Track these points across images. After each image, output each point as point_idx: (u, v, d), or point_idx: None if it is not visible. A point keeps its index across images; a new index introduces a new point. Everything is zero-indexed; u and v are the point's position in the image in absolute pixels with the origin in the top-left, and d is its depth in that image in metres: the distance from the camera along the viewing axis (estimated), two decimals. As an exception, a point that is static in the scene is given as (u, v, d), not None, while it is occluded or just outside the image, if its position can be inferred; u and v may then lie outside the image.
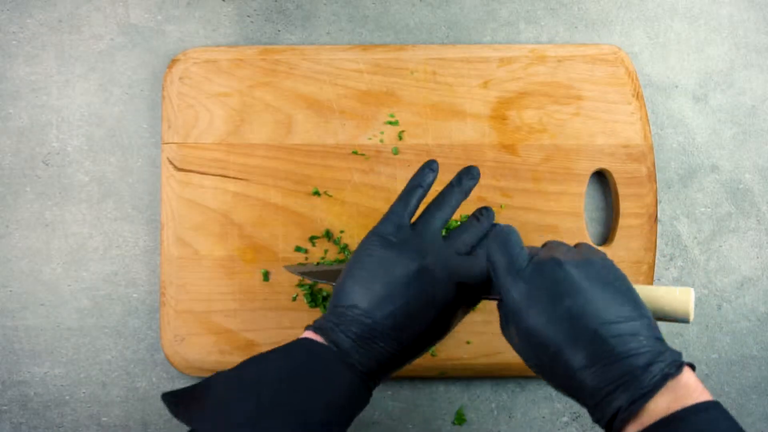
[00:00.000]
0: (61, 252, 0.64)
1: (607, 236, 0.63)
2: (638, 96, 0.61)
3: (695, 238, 0.65)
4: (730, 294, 0.64)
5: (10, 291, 0.64)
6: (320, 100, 0.62)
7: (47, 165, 0.64)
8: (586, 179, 0.61)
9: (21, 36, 0.65)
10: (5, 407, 0.63)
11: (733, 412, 0.66)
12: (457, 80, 0.62)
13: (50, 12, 0.65)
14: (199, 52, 0.62)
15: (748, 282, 0.64)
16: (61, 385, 0.63)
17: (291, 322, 0.60)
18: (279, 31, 0.65)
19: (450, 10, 0.66)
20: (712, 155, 0.65)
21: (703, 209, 0.65)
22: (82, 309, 0.63)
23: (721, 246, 0.65)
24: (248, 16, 0.66)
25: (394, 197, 0.61)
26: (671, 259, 0.64)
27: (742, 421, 0.64)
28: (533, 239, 0.61)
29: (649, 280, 0.60)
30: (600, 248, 0.61)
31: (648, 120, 0.61)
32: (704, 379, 0.64)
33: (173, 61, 0.62)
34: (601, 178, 0.64)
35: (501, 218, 0.61)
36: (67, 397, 0.63)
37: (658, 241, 0.64)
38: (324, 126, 0.61)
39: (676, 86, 0.66)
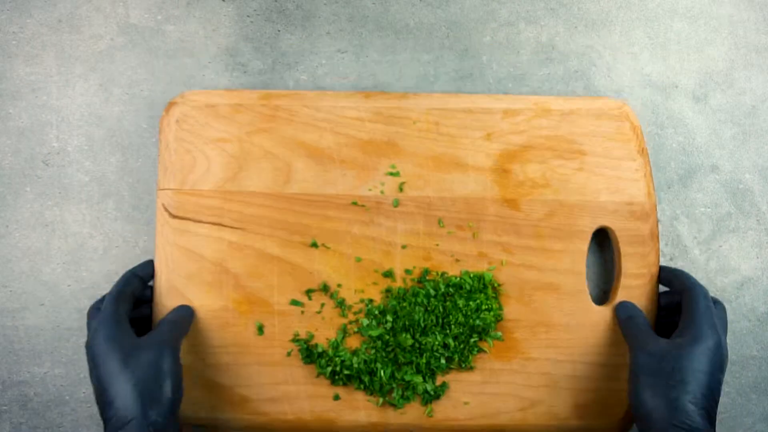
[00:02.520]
0: (61, 252, 0.64)
1: (607, 296, 0.62)
2: (643, 152, 0.60)
3: (695, 238, 0.65)
4: (730, 294, 0.64)
5: (10, 291, 0.64)
6: (321, 148, 0.60)
7: (47, 165, 0.64)
8: (589, 236, 0.59)
9: (21, 36, 0.65)
10: (5, 407, 0.63)
11: (733, 412, 0.66)
12: (460, 131, 0.60)
13: (50, 12, 0.66)
14: (198, 95, 0.61)
15: (748, 282, 0.64)
16: (61, 385, 0.63)
17: (285, 378, 0.58)
18: (279, 31, 0.66)
19: (450, 10, 0.66)
20: (712, 155, 0.65)
21: (703, 209, 0.65)
22: (82, 309, 0.63)
23: (721, 246, 0.65)
24: (248, 16, 0.66)
25: (393, 250, 0.60)
26: (671, 260, 0.64)
27: (742, 421, 0.64)
28: (533, 298, 0.59)
29: None
30: (600, 308, 0.60)
31: (652, 176, 0.60)
32: (704, 379, 0.64)
33: (170, 104, 0.60)
34: (603, 235, 0.62)
35: (501, 275, 0.59)
36: (67, 397, 0.63)
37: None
38: (324, 175, 0.60)
39: (676, 86, 0.66)
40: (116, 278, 0.64)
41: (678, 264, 0.64)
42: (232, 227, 0.59)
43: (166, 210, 0.59)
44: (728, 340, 0.64)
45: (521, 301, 0.59)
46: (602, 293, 0.63)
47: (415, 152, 0.60)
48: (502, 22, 0.66)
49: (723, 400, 0.64)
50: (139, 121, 0.65)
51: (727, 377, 0.64)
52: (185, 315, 0.57)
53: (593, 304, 0.60)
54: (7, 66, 0.65)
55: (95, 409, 0.63)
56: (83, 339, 0.63)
